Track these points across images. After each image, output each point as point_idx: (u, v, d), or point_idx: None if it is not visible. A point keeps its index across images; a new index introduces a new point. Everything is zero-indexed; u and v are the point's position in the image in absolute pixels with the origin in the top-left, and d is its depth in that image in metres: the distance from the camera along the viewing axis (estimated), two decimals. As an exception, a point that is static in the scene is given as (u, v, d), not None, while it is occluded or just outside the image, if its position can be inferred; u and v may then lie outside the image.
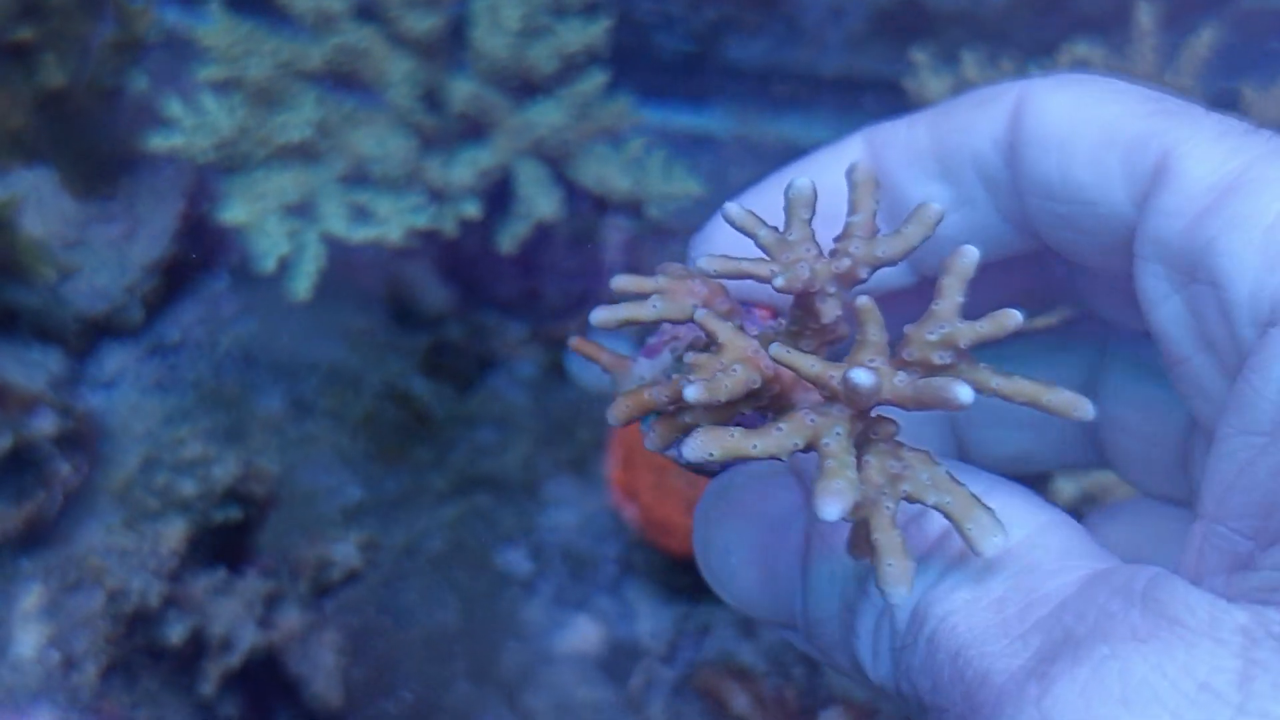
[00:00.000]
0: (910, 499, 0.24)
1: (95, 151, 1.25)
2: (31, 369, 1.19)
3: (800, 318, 0.26)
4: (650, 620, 1.13)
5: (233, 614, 0.86)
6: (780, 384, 0.26)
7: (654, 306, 0.27)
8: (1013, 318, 0.25)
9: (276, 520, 1.05)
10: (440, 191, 1.07)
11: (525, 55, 1.05)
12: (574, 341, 0.29)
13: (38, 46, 1.19)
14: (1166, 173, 0.25)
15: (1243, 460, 0.23)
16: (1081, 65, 1.11)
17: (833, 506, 0.22)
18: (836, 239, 0.26)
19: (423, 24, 1.06)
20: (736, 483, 0.29)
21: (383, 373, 1.25)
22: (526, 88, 1.09)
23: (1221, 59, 1.13)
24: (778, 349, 0.24)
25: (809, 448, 0.24)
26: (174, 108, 1.09)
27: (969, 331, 0.25)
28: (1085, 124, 0.26)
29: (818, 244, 0.26)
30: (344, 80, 1.12)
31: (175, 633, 0.84)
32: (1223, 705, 0.19)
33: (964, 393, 0.23)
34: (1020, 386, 0.24)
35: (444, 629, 1.13)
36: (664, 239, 1.11)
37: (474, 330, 1.26)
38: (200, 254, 1.30)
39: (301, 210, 1.07)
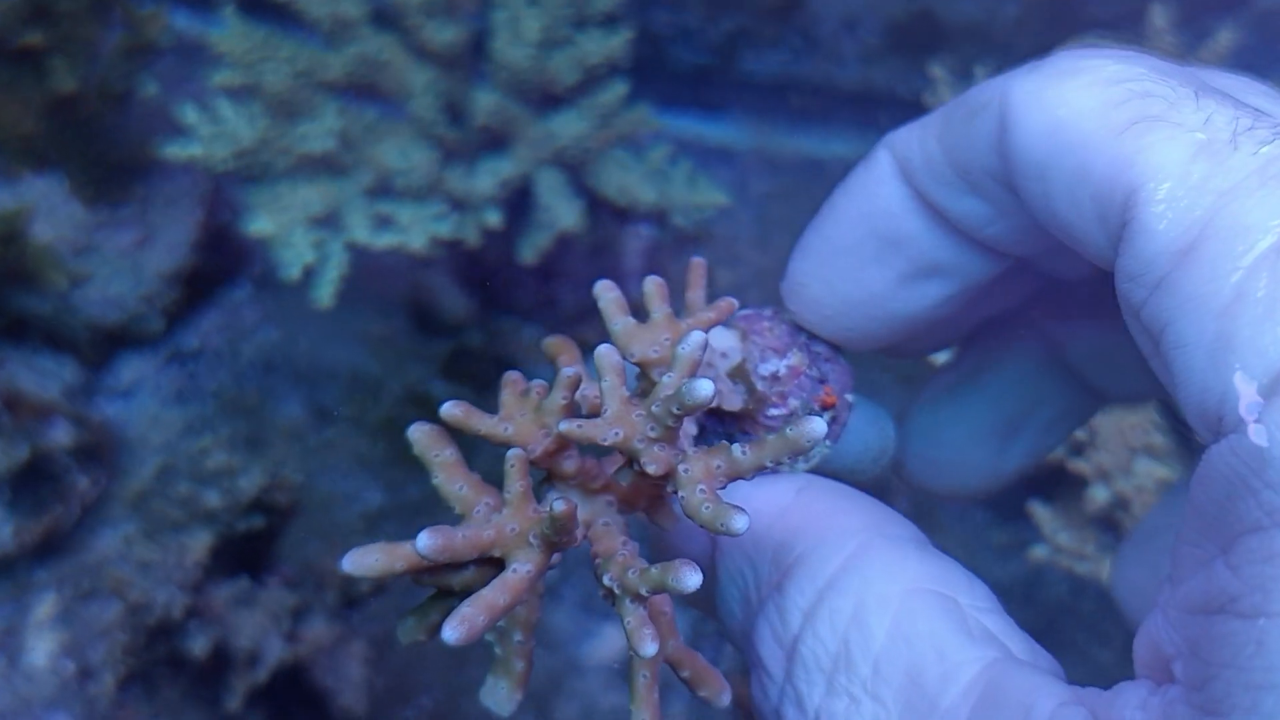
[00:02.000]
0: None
1: (105, 157, 1.25)
2: (44, 377, 1.19)
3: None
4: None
5: (257, 626, 0.86)
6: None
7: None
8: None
9: (296, 527, 1.04)
10: (462, 201, 1.07)
11: (546, 66, 1.05)
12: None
13: (47, 51, 1.18)
14: (1132, 225, 0.22)
15: (1195, 573, 0.21)
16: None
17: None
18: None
19: (443, 35, 1.06)
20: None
21: (403, 378, 1.25)
22: (547, 98, 1.09)
23: (1237, 59, 1.15)
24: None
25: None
26: (190, 115, 1.08)
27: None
28: (1061, 151, 0.23)
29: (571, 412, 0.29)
30: (364, 90, 1.12)
31: (198, 645, 0.84)
32: None
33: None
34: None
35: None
36: (684, 245, 1.11)
37: (493, 336, 1.26)
38: (221, 263, 1.30)
39: (325, 220, 1.07)
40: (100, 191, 1.25)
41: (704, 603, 0.30)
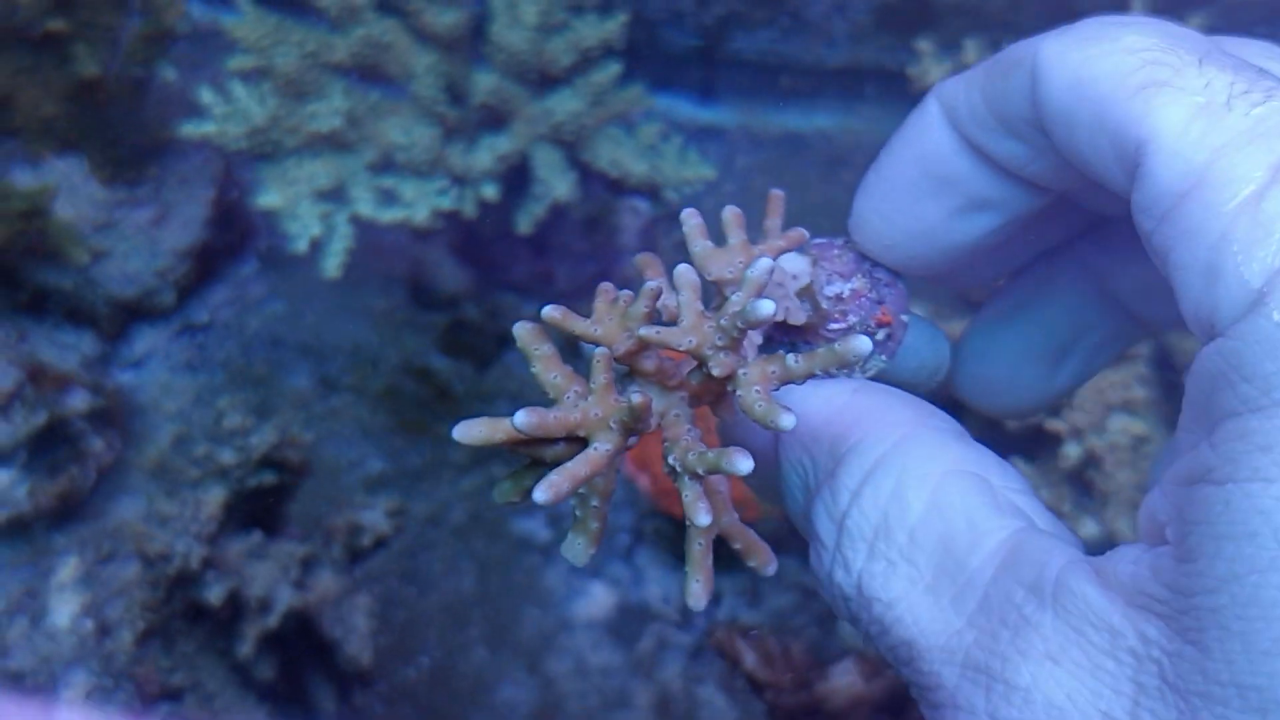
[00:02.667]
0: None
1: (124, 139, 1.30)
2: (64, 350, 1.24)
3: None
4: (660, 586, 1.18)
5: (269, 576, 0.90)
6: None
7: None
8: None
9: (303, 492, 1.09)
10: (462, 176, 1.12)
11: (543, 49, 1.09)
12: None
13: (69, 38, 1.23)
14: (1141, 169, 0.25)
15: (1186, 455, 0.25)
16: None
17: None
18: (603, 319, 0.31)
19: (444, 19, 1.10)
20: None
21: (403, 351, 1.30)
22: (544, 79, 1.13)
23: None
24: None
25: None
26: (206, 96, 1.13)
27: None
28: (1082, 103, 0.27)
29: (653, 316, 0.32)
30: (369, 72, 1.16)
31: (214, 594, 0.88)
32: None
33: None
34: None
35: (463, 596, 1.18)
36: (676, 220, 1.15)
37: (490, 310, 1.30)
38: (229, 239, 1.34)
39: (332, 195, 1.11)
40: (118, 172, 1.30)
41: (770, 492, 0.34)
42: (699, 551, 0.30)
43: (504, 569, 1.20)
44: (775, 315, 0.31)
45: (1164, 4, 1.20)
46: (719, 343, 0.30)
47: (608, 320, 0.31)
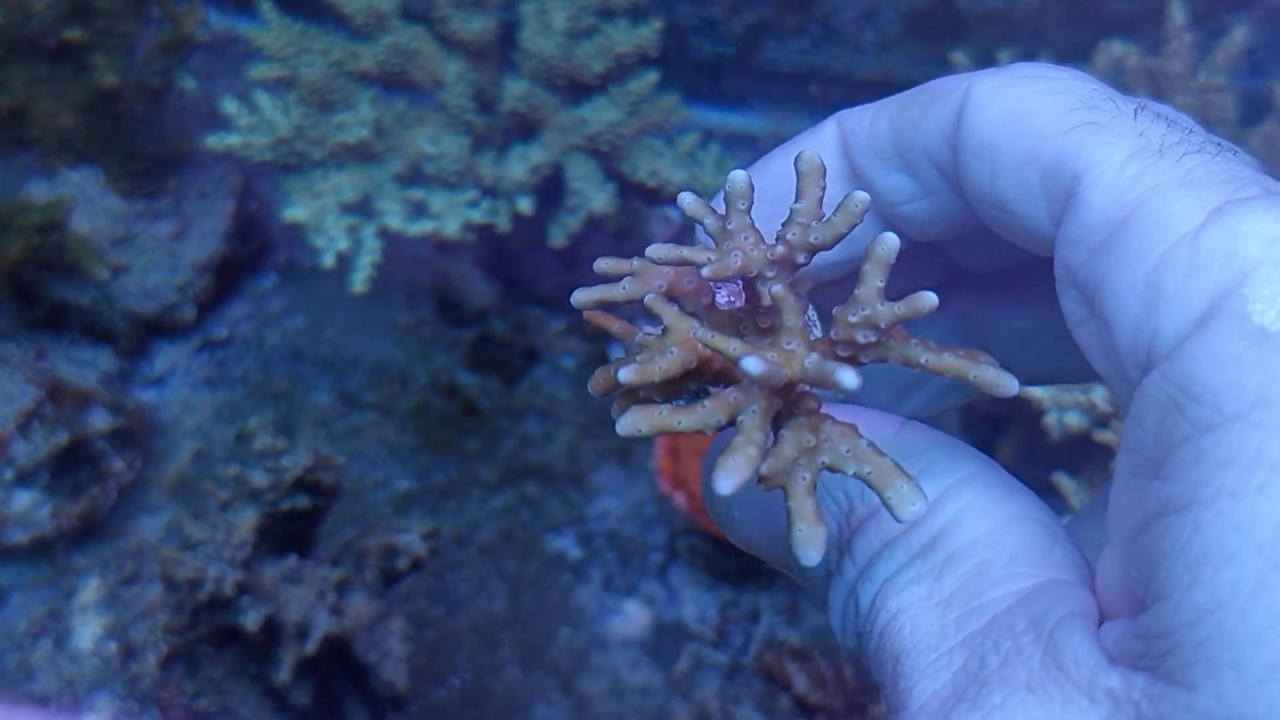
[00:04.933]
0: (830, 469, 0.26)
1: (142, 151, 1.27)
2: (82, 367, 1.21)
3: (751, 299, 0.28)
4: (695, 605, 1.16)
5: (305, 601, 0.88)
6: (719, 363, 0.27)
7: (624, 288, 0.28)
8: (927, 300, 0.26)
9: (331, 512, 1.06)
10: (493, 187, 1.10)
11: (574, 55, 1.07)
12: (588, 312, 0.30)
13: (86, 47, 1.20)
14: (1074, 200, 0.25)
15: (1133, 504, 0.24)
16: (1116, 65, 1.14)
17: (725, 481, 0.24)
18: (782, 224, 0.28)
19: (472, 26, 1.08)
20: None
21: (428, 366, 1.27)
22: (575, 87, 1.11)
23: (1249, 56, 1.17)
24: (702, 332, 0.26)
25: (730, 423, 0.26)
26: (230, 106, 1.10)
27: (887, 313, 0.26)
28: (1014, 137, 0.27)
29: (757, 232, 0.28)
30: (395, 81, 1.14)
31: (251, 619, 0.86)
32: None
33: (847, 378, 0.25)
34: (947, 362, 0.26)
35: (494, 617, 1.15)
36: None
37: (517, 324, 1.28)
38: (248, 253, 1.32)
39: (359, 207, 1.09)
40: (136, 184, 1.27)
41: (745, 522, 0.32)
42: (802, 487, 0.26)
43: (536, 588, 1.17)
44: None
45: (1201, 8, 1.19)
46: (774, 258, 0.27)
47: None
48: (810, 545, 0.24)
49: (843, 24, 1.35)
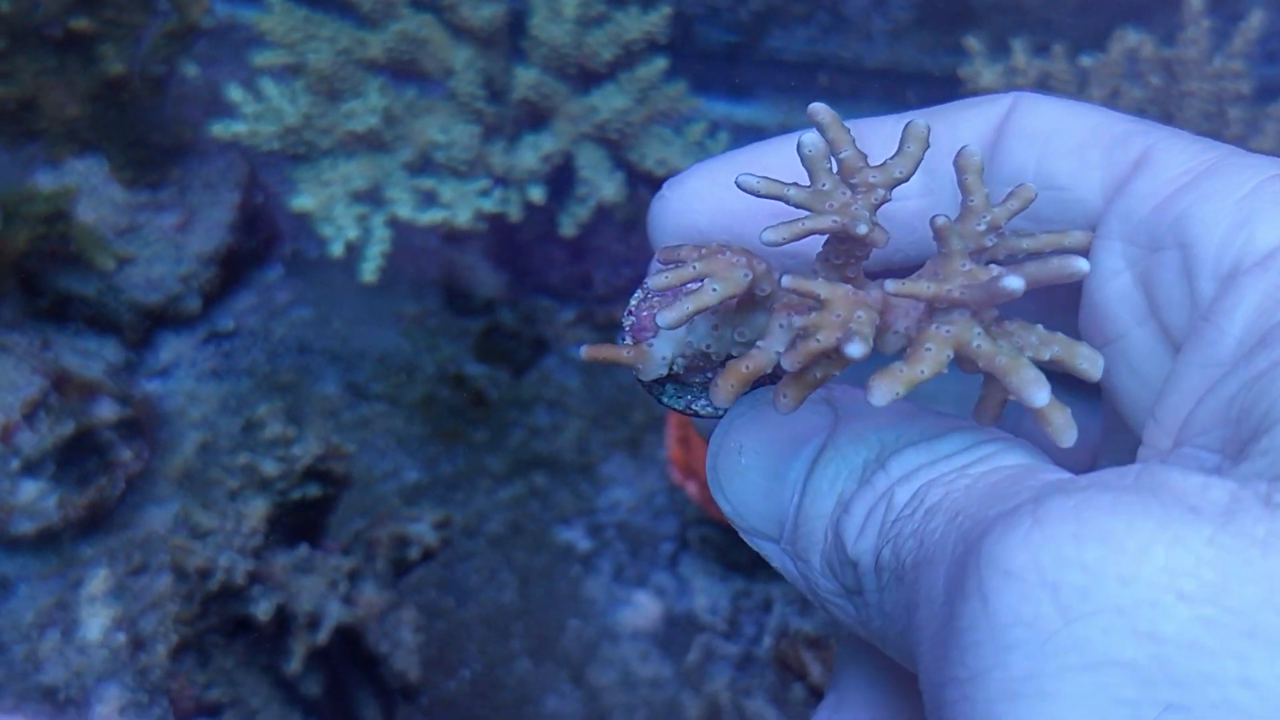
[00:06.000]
0: (1035, 360, 0.27)
1: (146, 140, 1.26)
2: (87, 357, 1.20)
3: (842, 251, 0.28)
4: (706, 596, 1.15)
5: (317, 590, 0.87)
6: (881, 314, 0.28)
7: (713, 290, 0.28)
8: (1029, 189, 0.28)
9: (340, 502, 1.06)
10: (503, 176, 1.09)
11: (585, 42, 1.06)
12: (585, 351, 0.30)
13: (94, 37, 1.19)
14: (1146, 163, 0.28)
15: (1203, 388, 0.25)
16: (1131, 55, 1.13)
17: (1040, 392, 0.25)
18: (848, 179, 0.28)
19: (482, 13, 1.07)
20: (766, 400, 0.31)
21: (436, 357, 1.27)
22: (586, 75, 1.10)
23: (1263, 45, 1.16)
24: (894, 285, 0.26)
25: (959, 356, 0.27)
26: (236, 94, 1.10)
27: (1004, 212, 0.28)
28: (1073, 123, 0.29)
29: (846, 185, 0.28)
30: (404, 69, 1.13)
31: (262, 609, 0.85)
32: (1204, 523, 0.20)
33: (1014, 283, 0.26)
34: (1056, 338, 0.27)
35: (504, 608, 1.15)
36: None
37: (526, 315, 1.27)
38: (255, 244, 1.31)
39: (368, 196, 1.08)
40: (141, 174, 1.26)
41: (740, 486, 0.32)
42: (1012, 355, 0.26)
43: (545, 579, 1.17)
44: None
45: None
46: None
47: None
48: (1037, 385, 0.25)
49: (852, 12, 1.34)
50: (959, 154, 0.28)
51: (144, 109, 1.25)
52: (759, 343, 0.28)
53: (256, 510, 0.88)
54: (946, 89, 1.26)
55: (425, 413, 1.25)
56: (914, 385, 0.25)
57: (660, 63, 1.06)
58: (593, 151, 1.05)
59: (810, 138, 0.27)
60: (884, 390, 0.25)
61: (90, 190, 1.25)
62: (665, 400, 0.32)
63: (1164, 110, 1.13)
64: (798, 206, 0.27)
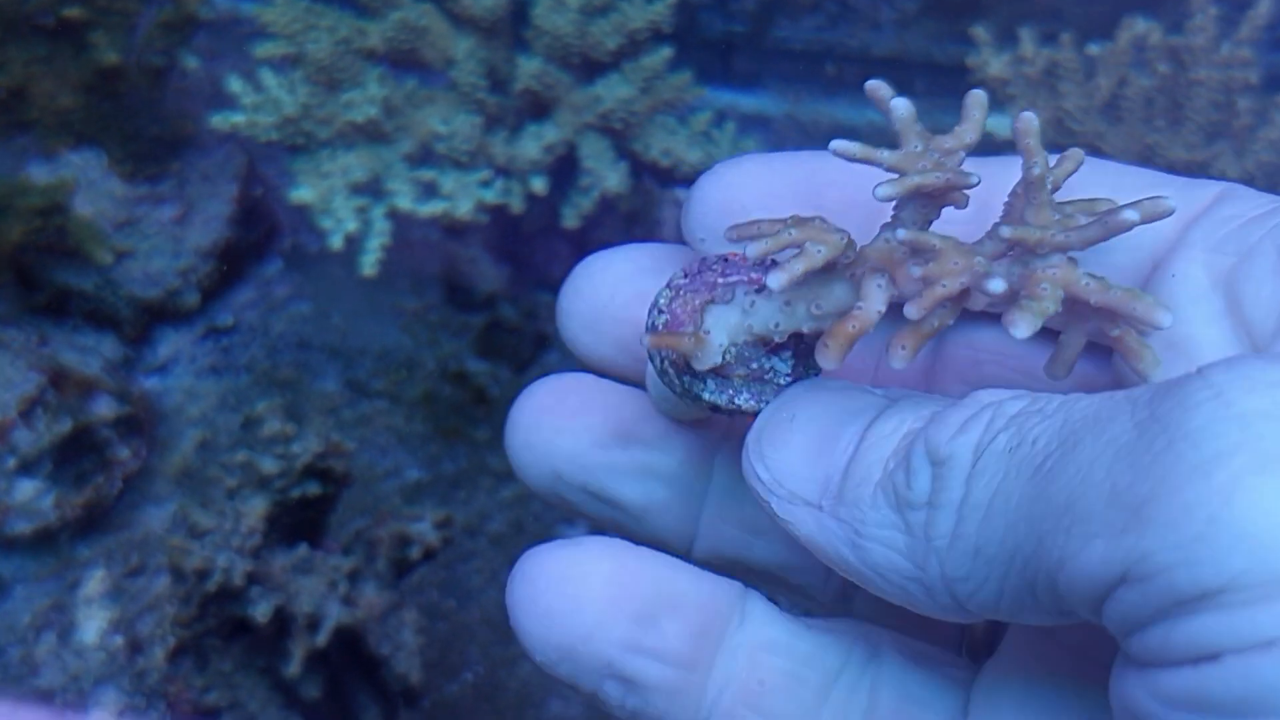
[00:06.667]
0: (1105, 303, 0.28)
1: (144, 132, 1.24)
2: (85, 353, 1.19)
3: (920, 212, 0.29)
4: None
5: (316, 592, 0.85)
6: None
7: (818, 251, 0.28)
8: (1079, 153, 0.29)
9: (340, 500, 1.04)
10: (505, 167, 1.07)
11: (588, 31, 1.04)
12: (651, 340, 0.30)
13: (86, 25, 1.17)
14: (1227, 197, 0.30)
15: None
16: (1139, 43, 1.11)
17: (1165, 315, 0.26)
18: (911, 150, 0.29)
19: (483, 2, 1.05)
20: (826, 383, 0.32)
21: (437, 353, 1.25)
22: (589, 65, 1.08)
23: (1270, 31, 1.14)
24: (1009, 230, 0.27)
25: (1068, 294, 0.28)
26: (235, 85, 1.08)
27: (1061, 173, 0.29)
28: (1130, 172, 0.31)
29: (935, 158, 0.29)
30: (404, 59, 1.11)
31: (260, 610, 0.84)
32: None
33: (1131, 214, 0.27)
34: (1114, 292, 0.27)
35: (506, 609, 1.13)
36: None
37: (527, 310, 1.25)
38: (254, 238, 1.29)
39: (368, 188, 1.06)
40: (139, 167, 1.24)
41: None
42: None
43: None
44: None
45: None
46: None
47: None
48: (1160, 309, 0.27)
49: (859, 1, 1.32)
50: (1017, 118, 0.28)
51: (142, 101, 1.23)
52: (859, 304, 0.28)
53: (255, 509, 0.87)
54: (954, 78, 1.24)
55: (426, 410, 1.23)
56: (1045, 318, 0.26)
57: (665, 51, 1.04)
58: (596, 142, 1.03)
59: (901, 102, 0.29)
60: (1025, 323, 0.26)
61: (88, 183, 1.23)
62: (707, 396, 0.31)
63: (1172, 99, 1.11)
64: (890, 169, 0.28)
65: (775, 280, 0.28)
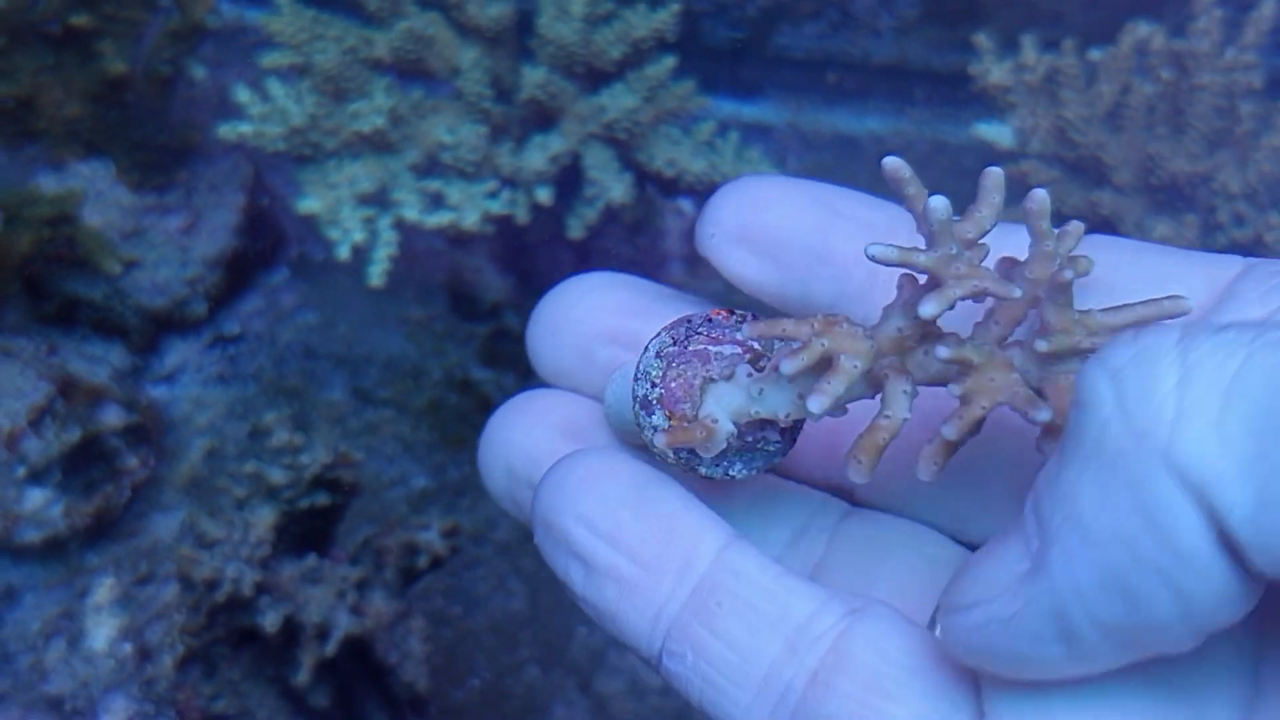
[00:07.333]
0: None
1: (152, 142, 1.25)
2: (93, 363, 1.19)
3: (918, 323, 0.28)
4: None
5: (325, 601, 0.86)
6: None
7: (854, 366, 0.28)
8: (1079, 226, 0.29)
9: (348, 509, 1.04)
10: (511, 178, 1.08)
11: (592, 41, 1.05)
12: (664, 440, 0.30)
13: (93, 34, 1.18)
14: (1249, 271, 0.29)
15: None
16: (1141, 48, 1.12)
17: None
18: (933, 247, 0.28)
19: (489, 12, 1.06)
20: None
21: (443, 362, 1.26)
22: (593, 74, 1.09)
23: (1275, 35, 1.14)
24: (1044, 345, 0.28)
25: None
26: (242, 94, 1.08)
27: (1064, 248, 0.29)
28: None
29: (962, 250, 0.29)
30: (410, 69, 1.12)
31: (270, 620, 0.84)
32: None
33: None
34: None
35: (513, 616, 1.14)
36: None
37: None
38: (260, 247, 1.30)
39: (375, 198, 1.07)
40: (147, 177, 1.25)
41: None
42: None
43: (553, 586, 1.15)
44: None
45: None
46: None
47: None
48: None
49: (859, 9, 1.32)
50: (1028, 197, 0.28)
51: (149, 110, 1.24)
52: (885, 413, 0.28)
53: (263, 519, 0.87)
54: (955, 86, 1.24)
55: (432, 418, 1.24)
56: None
57: (669, 60, 1.05)
58: (601, 152, 1.04)
59: (937, 202, 0.27)
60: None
61: (96, 194, 1.24)
62: (704, 470, 0.31)
63: (1174, 105, 1.12)
64: (924, 271, 0.27)
65: (816, 405, 0.27)
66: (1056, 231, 0.28)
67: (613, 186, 1.01)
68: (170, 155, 1.26)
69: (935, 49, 1.37)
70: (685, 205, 1.23)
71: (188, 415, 1.22)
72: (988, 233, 0.28)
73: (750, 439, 0.30)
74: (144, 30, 1.21)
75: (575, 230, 1.08)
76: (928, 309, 0.26)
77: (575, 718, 1.09)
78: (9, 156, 1.23)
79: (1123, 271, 0.29)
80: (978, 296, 0.27)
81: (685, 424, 0.30)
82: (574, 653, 1.13)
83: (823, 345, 0.28)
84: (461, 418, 1.25)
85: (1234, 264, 0.29)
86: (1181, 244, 0.97)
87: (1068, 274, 0.27)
